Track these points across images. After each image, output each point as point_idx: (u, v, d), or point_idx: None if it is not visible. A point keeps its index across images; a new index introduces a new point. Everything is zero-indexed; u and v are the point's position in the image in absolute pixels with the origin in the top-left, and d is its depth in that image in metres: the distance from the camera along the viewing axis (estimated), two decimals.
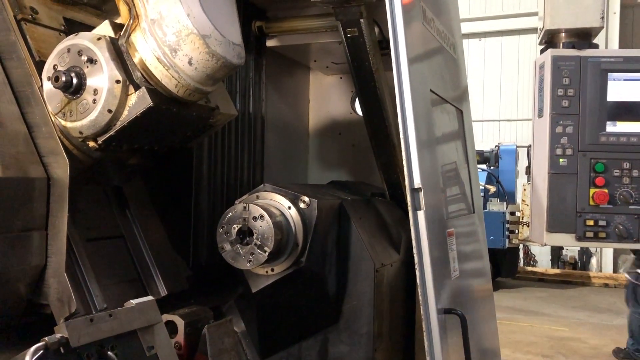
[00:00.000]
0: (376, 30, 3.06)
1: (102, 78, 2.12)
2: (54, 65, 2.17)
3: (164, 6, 2.12)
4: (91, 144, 2.23)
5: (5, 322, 2.14)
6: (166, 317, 2.07)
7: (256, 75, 3.40)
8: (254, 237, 2.42)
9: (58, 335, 1.31)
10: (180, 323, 2.02)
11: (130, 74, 2.16)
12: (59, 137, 2.24)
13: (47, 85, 2.16)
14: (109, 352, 1.39)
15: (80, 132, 2.18)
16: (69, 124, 2.18)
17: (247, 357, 2.73)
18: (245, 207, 2.45)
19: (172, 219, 2.92)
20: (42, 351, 1.27)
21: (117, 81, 2.12)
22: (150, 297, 1.65)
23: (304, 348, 2.89)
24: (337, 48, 3.45)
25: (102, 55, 2.13)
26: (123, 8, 2.21)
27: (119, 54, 2.16)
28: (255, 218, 2.42)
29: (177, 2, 2.11)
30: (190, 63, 2.13)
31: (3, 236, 2.07)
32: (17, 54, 2.30)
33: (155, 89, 2.18)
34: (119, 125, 2.17)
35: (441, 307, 2.30)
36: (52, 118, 2.22)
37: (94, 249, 2.49)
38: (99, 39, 2.15)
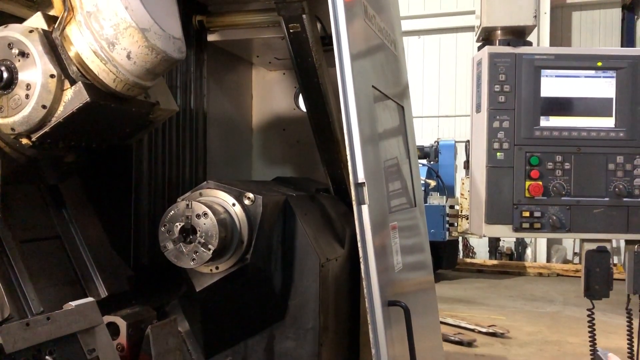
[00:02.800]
0: (319, 26, 3.07)
1: (36, 72, 2.04)
2: None
3: None
4: (24, 141, 2.14)
5: None
6: (108, 318, 2.01)
7: (197, 70, 3.34)
8: (198, 235, 2.38)
9: None
10: (122, 324, 1.96)
11: (65, 68, 2.09)
12: None
13: None
14: (47, 357, 1.33)
15: (13, 129, 2.08)
16: (0, 120, 2.08)
17: (191, 357, 2.68)
18: (188, 205, 2.40)
19: (111, 219, 2.84)
20: None
21: (52, 75, 2.04)
22: (90, 299, 1.60)
23: (249, 346, 2.87)
24: (280, 43, 3.44)
25: (35, 48, 2.05)
26: (57, 0, 2.13)
27: (53, 48, 2.08)
28: (198, 216, 2.38)
29: None
30: (129, 57, 2.07)
31: None
32: None
33: (93, 84, 2.11)
34: (54, 121, 2.09)
35: (385, 299, 2.33)
36: None
37: (29, 250, 2.39)
38: (31, 31, 2.07)
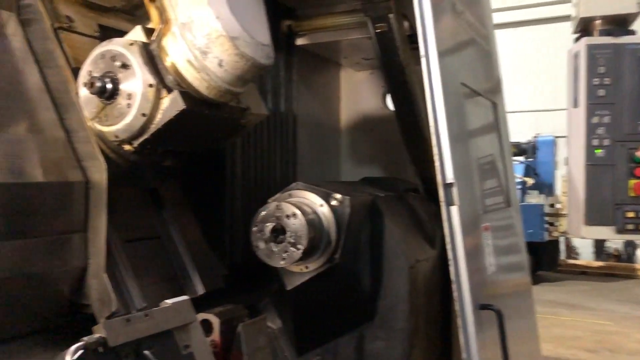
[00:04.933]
0: (406, 24, 3.04)
1: (136, 82, 2.17)
2: (89, 72, 2.23)
3: (193, 10, 2.15)
4: (127, 147, 2.29)
5: (49, 322, 2.21)
6: (202, 315, 2.10)
7: (287, 74, 3.42)
8: (287, 235, 2.44)
9: (96, 335, 1.35)
10: (215, 322, 2.05)
11: (162, 77, 2.20)
12: (96, 142, 2.30)
13: (83, 92, 2.22)
14: (145, 352, 1.42)
15: (116, 136, 2.23)
16: (104, 129, 2.23)
17: (283, 354, 2.75)
18: (278, 206, 2.47)
19: (207, 219, 2.96)
20: (81, 351, 1.31)
21: (150, 85, 2.17)
22: (185, 297, 1.68)
23: (340, 345, 2.90)
24: (367, 44, 3.43)
25: (135, 60, 2.18)
26: (154, 13, 2.25)
27: (151, 59, 2.20)
28: (288, 216, 2.44)
29: (206, 5, 2.14)
30: (220, 65, 2.16)
31: (45, 239, 2.13)
32: (55, 61, 2.37)
33: (187, 92, 2.21)
34: (153, 128, 2.21)
35: (477, 302, 2.27)
36: (89, 123, 2.27)
37: (132, 249, 2.55)
38: (131, 44, 2.20)
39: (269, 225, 2.47)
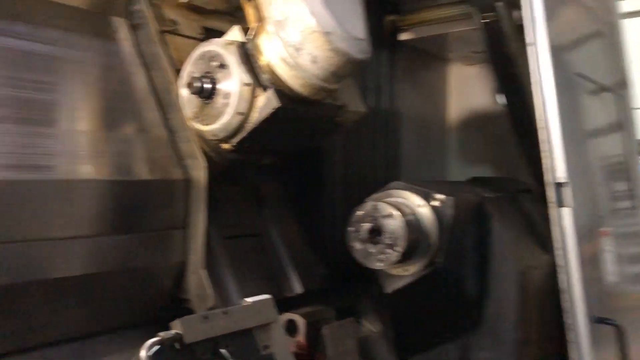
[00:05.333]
0: (516, 13, 2.84)
1: (233, 82, 2.20)
2: (190, 72, 2.28)
3: (288, 7, 2.14)
4: (225, 146, 2.32)
5: (150, 315, 2.30)
6: (287, 316, 2.09)
7: (390, 71, 3.33)
8: (384, 236, 2.35)
9: (173, 331, 1.36)
10: (301, 322, 2.02)
11: (257, 76, 2.21)
12: (196, 141, 2.36)
13: (184, 92, 2.28)
14: (222, 350, 1.41)
15: (215, 135, 2.27)
16: (204, 128, 2.28)
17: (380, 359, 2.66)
18: (374, 206, 2.39)
19: (307, 218, 2.95)
20: (157, 347, 1.33)
21: (246, 84, 2.18)
22: (266, 296, 1.66)
23: (443, 352, 2.76)
24: (475, 36, 3.25)
25: (232, 59, 2.20)
26: (250, 12, 2.27)
27: (247, 58, 2.22)
28: (385, 216, 2.36)
29: (301, 1, 2.12)
30: (314, 61, 2.12)
31: (147, 234, 2.22)
32: (160, 64, 2.46)
33: (282, 90, 2.20)
34: (249, 127, 2.22)
35: (593, 315, 2.05)
36: (190, 123, 2.34)
37: (232, 246, 2.59)
38: (228, 44, 2.23)
39: (366, 226, 2.40)
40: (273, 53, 2.16)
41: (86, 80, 2.27)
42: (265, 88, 2.19)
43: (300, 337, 1.98)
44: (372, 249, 2.40)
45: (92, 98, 2.28)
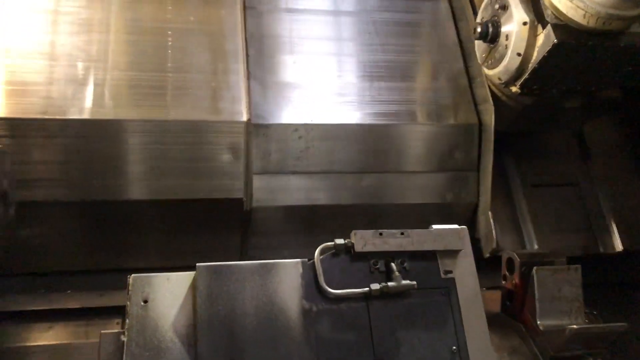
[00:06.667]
0: None
1: (512, 23, 2.15)
2: (482, 18, 2.33)
3: None
4: (513, 89, 2.29)
5: None
6: (508, 253, 1.96)
7: None
8: None
9: (346, 240, 1.57)
10: (516, 261, 1.86)
11: (541, 14, 2.09)
12: (488, 86, 2.40)
13: (476, 38, 2.35)
14: (392, 263, 1.53)
15: (499, 79, 2.27)
16: (490, 72, 2.31)
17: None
18: None
19: None
20: (331, 250, 1.56)
21: (524, 23, 2.11)
22: (456, 226, 1.65)
23: None
24: None
25: (513, 0, 2.15)
26: None
27: None
28: None
29: None
30: None
31: (448, 174, 2.43)
32: (466, 14, 2.59)
33: (564, 25, 2.03)
34: (530, 67, 2.14)
35: None
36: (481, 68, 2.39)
37: (537, 195, 2.53)
38: None
39: None
40: None
41: (417, 39, 2.62)
42: (545, 26, 2.06)
43: (515, 275, 1.85)
44: None
45: (420, 55, 2.61)
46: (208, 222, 2.27)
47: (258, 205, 2.27)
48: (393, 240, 1.57)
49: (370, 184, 2.42)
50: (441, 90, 2.56)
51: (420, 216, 2.42)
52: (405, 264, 1.58)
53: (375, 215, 2.42)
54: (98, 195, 2.14)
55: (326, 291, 1.53)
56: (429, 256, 1.60)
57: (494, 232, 2.37)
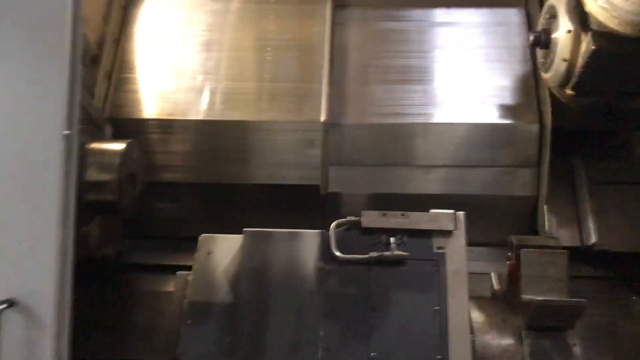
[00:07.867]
0: None
1: (559, 30, 2.31)
2: (540, 27, 2.50)
3: None
4: (569, 92, 2.43)
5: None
6: (511, 238, 2.13)
7: None
8: None
9: (356, 217, 1.94)
10: (514, 244, 2.03)
11: (585, 22, 2.23)
12: (548, 88, 2.56)
13: (529, 46, 2.53)
14: (392, 238, 1.86)
15: (552, 82, 2.43)
16: (544, 76, 2.48)
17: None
18: None
19: None
20: (344, 226, 1.94)
21: (568, 31, 2.26)
22: (449, 211, 1.90)
23: None
24: None
25: (561, 9, 2.31)
26: None
27: (577, 6, 2.25)
28: None
29: None
30: None
31: (494, 169, 2.65)
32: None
33: (605, 32, 2.15)
34: (576, 72, 2.28)
35: None
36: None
37: (601, 192, 2.64)
38: None
39: None
40: None
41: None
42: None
43: (512, 257, 2.02)
44: None
45: (472, 56, 2.86)
46: (293, 206, 2.76)
47: (332, 191, 2.71)
48: (394, 219, 1.93)
49: (438, 177, 2.72)
50: (509, 91, 2.78)
51: (483, 207, 2.67)
52: (404, 239, 1.93)
53: (441, 204, 2.72)
54: (211, 179, 2.75)
55: (336, 256, 1.96)
56: (425, 234, 1.93)
57: (546, 224, 2.54)
